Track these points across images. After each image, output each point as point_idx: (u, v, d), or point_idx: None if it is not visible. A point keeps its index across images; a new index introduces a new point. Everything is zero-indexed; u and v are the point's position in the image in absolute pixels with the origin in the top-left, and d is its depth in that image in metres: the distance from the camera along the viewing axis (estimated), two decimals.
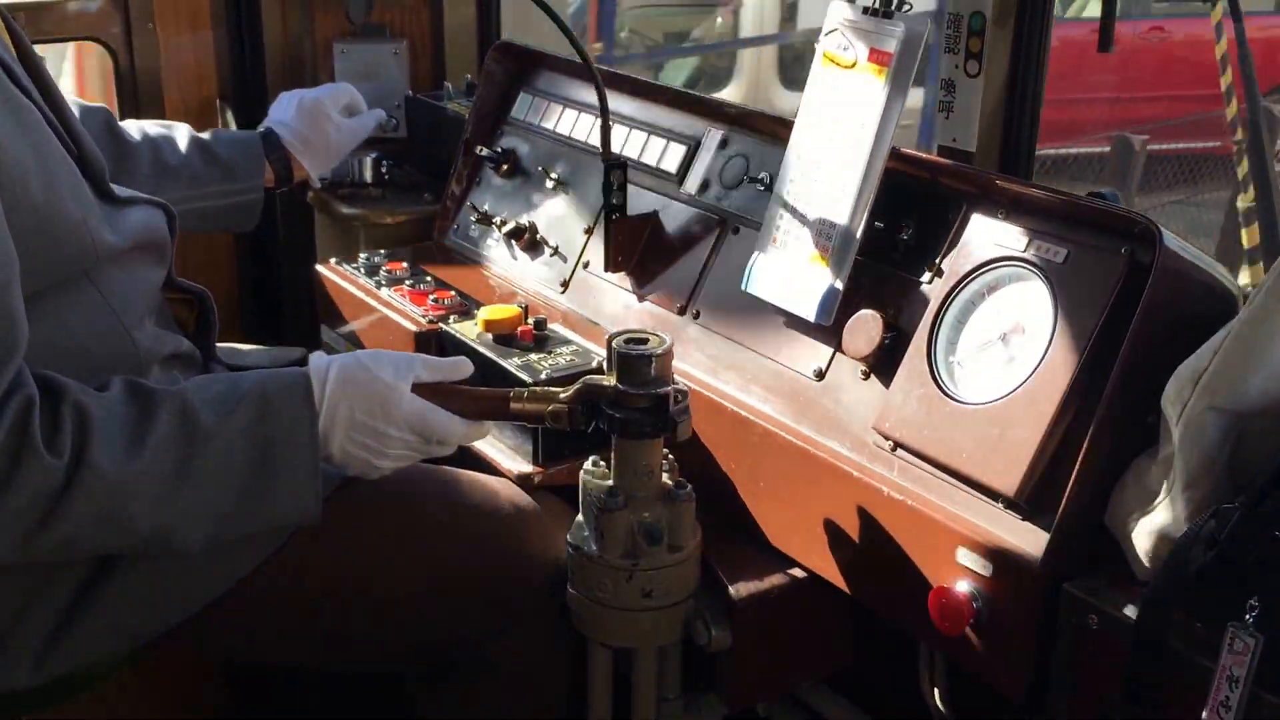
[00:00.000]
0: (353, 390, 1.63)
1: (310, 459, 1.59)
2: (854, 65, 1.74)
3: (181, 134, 2.26)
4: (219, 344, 1.96)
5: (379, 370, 1.65)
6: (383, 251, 2.40)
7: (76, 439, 1.45)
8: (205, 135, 2.30)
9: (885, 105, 1.71)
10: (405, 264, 2.35)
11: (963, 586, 1.50)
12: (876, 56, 1.71)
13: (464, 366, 1.73)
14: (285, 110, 2.43)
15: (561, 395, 1.68)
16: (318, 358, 1.67)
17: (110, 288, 1.65)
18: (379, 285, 2.28)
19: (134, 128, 2.23)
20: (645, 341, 1.65)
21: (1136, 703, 1.33)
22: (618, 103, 2.23)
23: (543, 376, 1.88)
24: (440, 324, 2.09)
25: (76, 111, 2.05)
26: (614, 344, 1.65)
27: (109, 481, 1.46)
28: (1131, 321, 1.42)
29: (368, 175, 2.68)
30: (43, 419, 1.43)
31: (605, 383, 1.66)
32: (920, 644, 1.80)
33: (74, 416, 1.46)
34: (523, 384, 1.86)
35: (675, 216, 2.09)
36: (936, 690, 1.80)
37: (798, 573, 1.77)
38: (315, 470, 1.60)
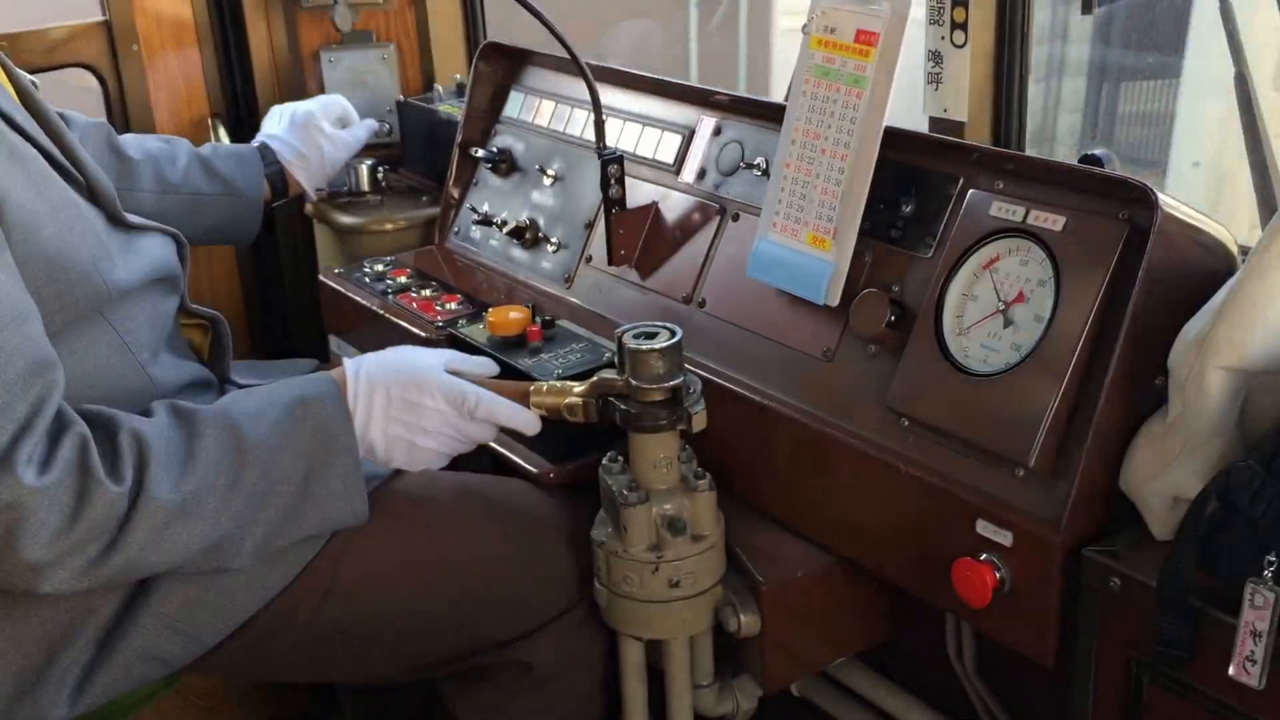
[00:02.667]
0: (388, 373, 1.69)
1: (351, 455, 1.64)
2: (841, 47, 1.75)
3: (181, 149, 2.29)
4: None
5: (412, 353, 1.73)
6: (386, 259, 2.42)
7: (137, 465, 1.49)
8: (204, 150, 2.33)
9: (875, 84, 1.72)
10: (409, 270, 2.37)
11: (985, 557, 1.52)
12: (864, 37, 1.72)
13: (490, 367, 1.78)
14: (278, 124, 2.45)
15: (576, 389, 1.70)
16: (350, 360, 1.73)
17: (124, 324, 1.67)
18: (384, 294, 2.29)
19: (134, 144, 2.26)
20: (655, 335, 1.67)
21: (1162, 662, 1.35)
22: (609, 96, 2.24)
23: (556, 375, 1.89)
24: (450, 329, 2.10)
25: (78, 128, 2.08)
26: (623, 340, 1.67)
27: (168, 504, 1.49)
28: (1134, 285, 1.43)
29: (364, 183, 2.69)
30: (101, 450, 1.47)
31: (617, 379, 1.68)
32: (947, 615, 1.82)
33: (132, 444, 1.50)
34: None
35: (675, 206, 2.10)
36: (966, 659, 1.82)
37: (823, 553, 1.79)
38: (357, 466, 1.64)
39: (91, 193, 1.68)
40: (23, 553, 1.41)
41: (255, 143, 2.44)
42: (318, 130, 2.43)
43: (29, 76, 1.77)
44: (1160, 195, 1.43)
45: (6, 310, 1.43)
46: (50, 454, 1.43)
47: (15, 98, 1.65)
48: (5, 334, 1.42)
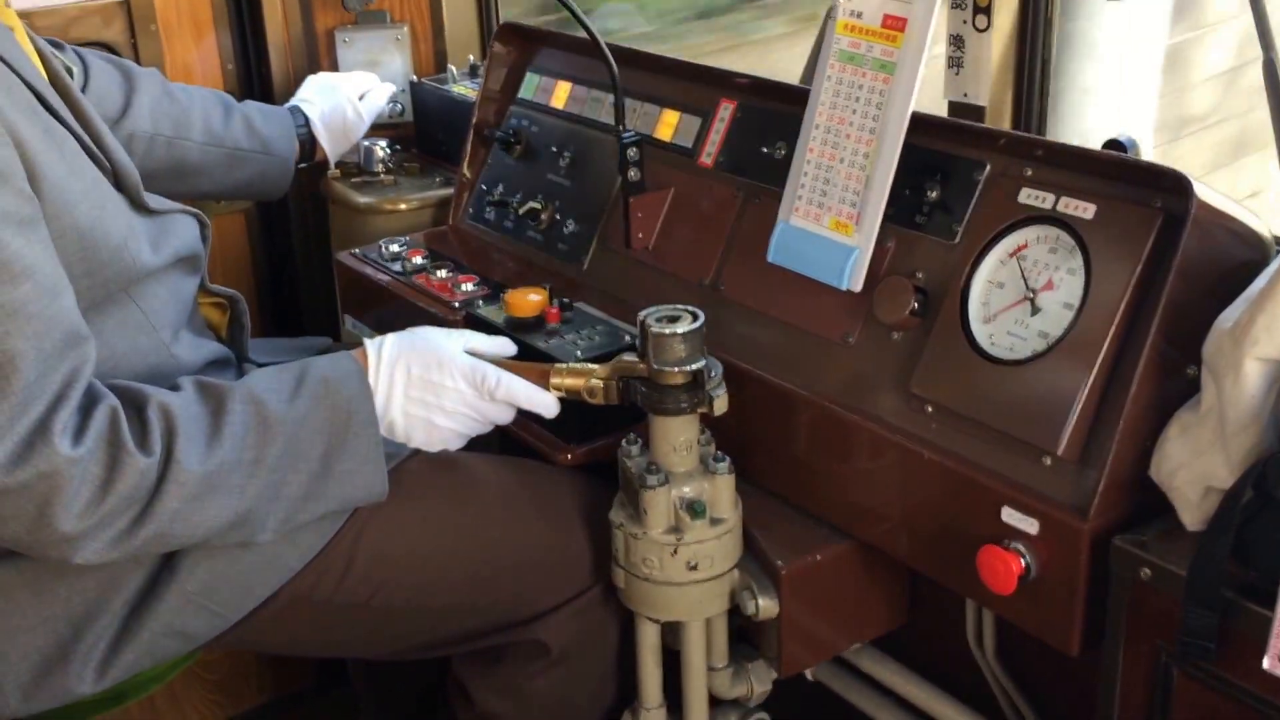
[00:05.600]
0: (409, 352, 1.70)
1: (372, 432, 1.65)
2: (868, 31, 1.74)
3: (226, 101, 2.36)
4: None
5: (432, 334, 1.74)
6: (402, 239, 2.41)
7: (165, 438, 1.50)
8: (245, 106, 2.39)
9: (904, 69, 1.71)
10: (424, 251, 2.36)
11: (1010, 545, 1.51)
12: (891, 21, 1.71)
13: (508, 347, 1.78)
14: (311, 89, 2.53)
15: (598, 371, 1.70)
16: (371, 339, 1.74)
17: (149, 304, 1.69)
18: (401, 274, 2.28)
19: (183, 91, 2.31)
20: (678, 319, 1.66)
21: (1187, 652, 1.35)
22: (627, 77, 2.22)
23: (576, 357, 1.89)
24: (468, 310, 2.09)
25: (135, 75, 2.16)
26: (646, 323, 1.66)
27: (196, 476, 1.51)
28: (1168, 274, 1.43)
29: (377, 163, 2.68)
30: (130, 422, 1.49)
31: (639, 361, 1.67)
32: (968, 600, 1.82)
33: (160, 417, 1.51)
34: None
35: (693, 190, 2.08)
36: (986, 645, 1.82)
37: (842, 538, 1.78)
38: (378, 444, 1.65)
39: (116, 178, 1.69)
40: (57, 524, 1.43)
41: (288, 105, 2.50)
42: (346, 100, 2.51)
43: (65, 63, 1.77)
44: (1195, 183, 1.42)
45: (44, 281, 1.45)
46: (83, 425, 1.45)
47: (46, 78, 1.65)
48: (42, 304, 1.44)
